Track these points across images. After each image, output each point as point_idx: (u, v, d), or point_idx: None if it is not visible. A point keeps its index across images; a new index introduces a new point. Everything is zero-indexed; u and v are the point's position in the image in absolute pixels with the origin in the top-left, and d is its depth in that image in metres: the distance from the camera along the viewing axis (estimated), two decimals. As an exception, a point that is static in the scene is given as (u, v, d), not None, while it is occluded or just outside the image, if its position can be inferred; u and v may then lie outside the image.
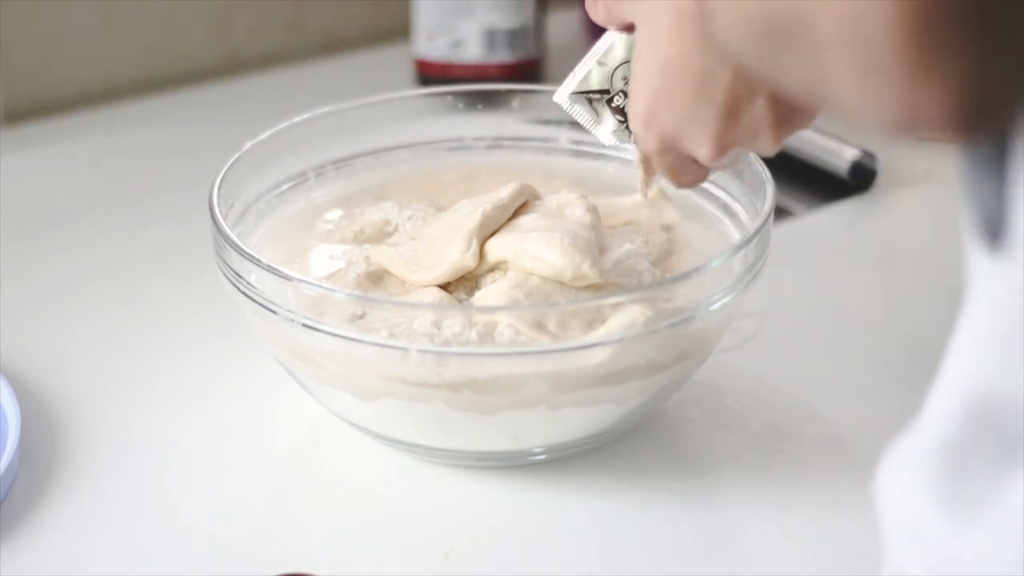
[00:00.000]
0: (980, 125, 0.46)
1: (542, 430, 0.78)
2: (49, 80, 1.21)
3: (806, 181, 1.12)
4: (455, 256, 0.79)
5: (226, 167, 0.85)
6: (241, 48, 1.29)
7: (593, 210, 0.82)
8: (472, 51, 1.20)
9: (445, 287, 0.79)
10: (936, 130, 0.46)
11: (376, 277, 0.81)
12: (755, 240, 0.78)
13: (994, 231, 0.49)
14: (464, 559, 0.75)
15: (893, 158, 1.12)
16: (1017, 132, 0.47)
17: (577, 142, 0.94)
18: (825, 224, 1.07)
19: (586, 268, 0.77)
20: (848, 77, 0.46)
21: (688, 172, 0.75)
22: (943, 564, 0.52)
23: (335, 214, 0.89)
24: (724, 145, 0.70)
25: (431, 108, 0.95)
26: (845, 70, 0.46)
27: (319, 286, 0.77)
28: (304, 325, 0.75)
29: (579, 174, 0.92)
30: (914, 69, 0.44)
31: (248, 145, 0.87)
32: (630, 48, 0.75)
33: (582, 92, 0.77)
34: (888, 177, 1.11)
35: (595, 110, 0.78)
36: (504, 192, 0.82)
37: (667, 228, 0.86)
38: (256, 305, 0.77)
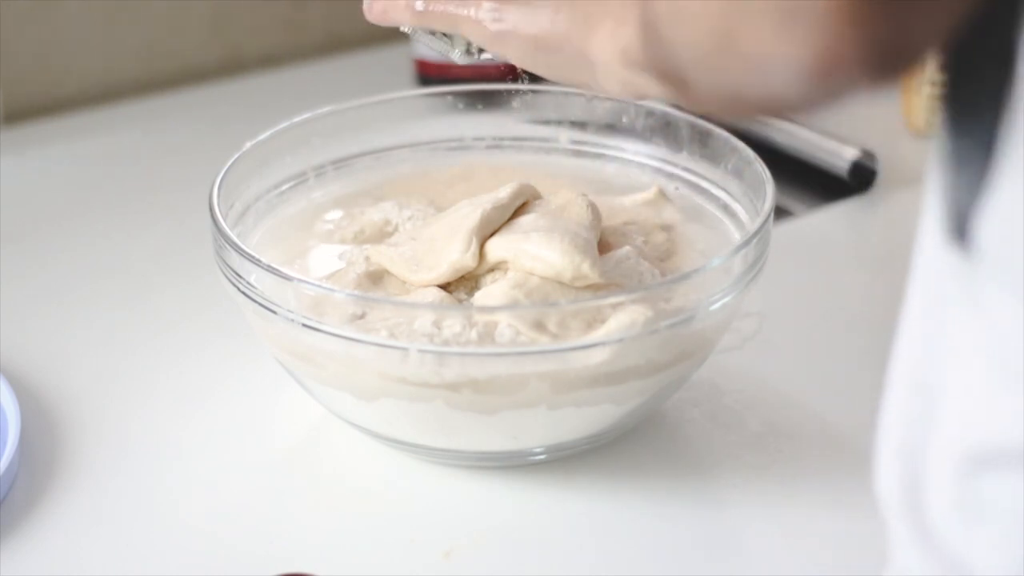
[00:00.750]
0: (892, 68, 0.48)
1: (542, 430, 0.78)
2: (49, 80, 1.21)
3: (806, 181, 1.12)
4: (455, 256, 0.79)
5: (226, 167, 0.85)
6: (241, 48, 1.29)
7: (593, 210, 0.82)
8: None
9: (445, 287, 0.79)
10: (849, 76, 0.48)
11: (376, 277, 0.81)
12: (755, 240, 0.78)
13: (960, 227, 0.49)
14: (464, 559, 0.75)
15: (893, 158, 1.12)
16: (1004, 130, 0.47)
17: (577, 142, 0.94)
18: (825, 224, 1.07)
19: (586, 268, 0.77)
20: (768, 23, 0.48)
21: None
22: (947, 563, 0.52)
23: (335, 214, 0.89)
24: None
25: (431, 108, 0.95)
26: (766, 17, 0.48)
27: (319, 286, 0.77)
28: (304, 325, 0.75)
29: (579, 174, 0.92)
30: (834, 13, 0.47)
31: (248, 145, 0.87)
32: None
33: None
34: (888, 177, 1.11)
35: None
36: (504, 192, 0.82)
37: (667, 228, 0.86)
38: (256, 305, 0.77)
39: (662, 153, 0.91)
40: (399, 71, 1.26)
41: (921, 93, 1.16)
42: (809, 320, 0.94)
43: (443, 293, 0.79)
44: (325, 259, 0.84)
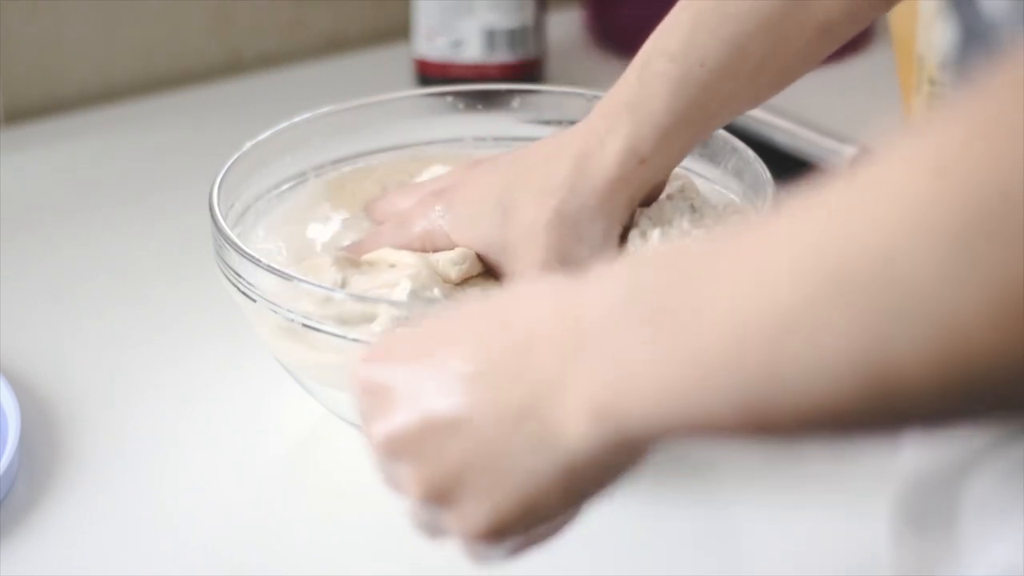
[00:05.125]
0: None
1: (542, 430, 0.78)
2: (49, 80, 1.21)
3: (806, 181, 1.12)
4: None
5: (226, 167, 0.85)
6: (241, 48, 1.28)
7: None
8: (472, 51, 1.20)
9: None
10: None
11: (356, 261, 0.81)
12: (755, 240, 0.78)
13: None
14: (464, 559, 0.75)
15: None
16: None
17: (577, 142, 0.93)
18: (825, 224, 1.07)
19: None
20: None
21: None
22: None
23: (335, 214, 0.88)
24: None
25: (431, 108, 0.94)
26: None
27: (319, 286, 0.77)
28: (304, 325, 0.75)
29: (579, 174, 0.92)
30: None
31: (248, 145, 0.87)
32: None
33: None
34: (888, 177, 1.11)
35: None
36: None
37: (668, 228, 0.86)
38: (256, 305, 0.77)
39: (662, 153, 0.91)
40: (399, 71, 1.26)
41: (921, 93, 1.16)
42: (809, 320, 0.94)
43: (429, 270, 0.78)
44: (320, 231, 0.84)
